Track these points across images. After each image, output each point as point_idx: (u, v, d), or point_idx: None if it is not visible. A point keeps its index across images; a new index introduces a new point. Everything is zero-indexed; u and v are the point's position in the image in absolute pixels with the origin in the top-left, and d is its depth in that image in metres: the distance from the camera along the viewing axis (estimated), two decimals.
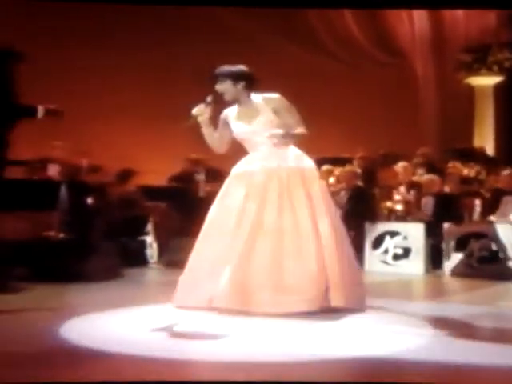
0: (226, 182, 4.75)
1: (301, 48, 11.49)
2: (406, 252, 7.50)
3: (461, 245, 7.39)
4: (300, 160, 4.63)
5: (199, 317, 4.36)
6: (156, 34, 10.68)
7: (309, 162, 4.67)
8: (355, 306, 4.48)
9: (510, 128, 11.19)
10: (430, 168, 9.55)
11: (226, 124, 4.78)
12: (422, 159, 9.84)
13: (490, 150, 11.30)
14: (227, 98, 4.71)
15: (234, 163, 8.81)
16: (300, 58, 11.35)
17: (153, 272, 7.46)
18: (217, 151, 4.92)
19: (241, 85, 4.67)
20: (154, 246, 7.84)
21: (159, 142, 9.94)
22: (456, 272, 7.20)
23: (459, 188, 8.78)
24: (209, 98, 4.70)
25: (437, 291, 6.65)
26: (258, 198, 4.50)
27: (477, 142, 11.57)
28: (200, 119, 4.69)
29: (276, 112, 4.63)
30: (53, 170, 7.78)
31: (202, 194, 8.41)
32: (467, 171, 9.60)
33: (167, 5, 10.56)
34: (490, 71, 11.41)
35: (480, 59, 11.44)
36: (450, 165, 9.23)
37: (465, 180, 9.14)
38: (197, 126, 4.75)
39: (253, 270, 4.34)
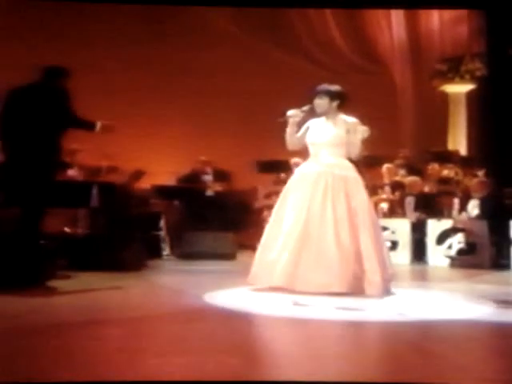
0: (289, 182, 5.68)
1: (280, 50, 12.16)
2: (394, 245, 8.42)
3: (442, 239, 8.35)
4: (346, 169, 5.55)
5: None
6: (169, 39, 11.27)
7: (353, 172, 5.58)
8: (386, 294, 5.33)
9: (481, 132, 11.97)
10: (410, 169, 10.45)
11: (307, 131, 5.67)
12: (403, 161, 10.73)
13: (462, 152, 12.14)
14: (319, 110, 5.60)
15: (236, 165, 9.69)
16: (282, 61, 12.03)
17: (170, 263, 8.27)
18: (291, 148, 5.79)
19: (335, 103, 5.56)
20: (167, 240, 8.65)
21: (170, 144, 10.68)
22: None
23: (437, 188, 9.73)
24: (306, 107, 5.59)
25: (438, 277, 7.52)
26: (309, 196, 5.42)
27: (450, 145, 12.39)
28: (291, 120, 5.58)
29: (348, 131, 5.52)
30: (73, 172, 8.53)
31: (209, 193, 9.21)
32: (447, 172, 10.52)
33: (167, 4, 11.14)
34: (462, 79, 12.18)
35: (454, 68, 12.18)
36: (430, 167, 10.15)
37: (442, 180, 10.08)
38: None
39: (302, 255, 5.26)
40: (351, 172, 5.56)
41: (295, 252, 5.30)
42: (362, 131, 5.49)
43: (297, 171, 5.74)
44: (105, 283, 6.09)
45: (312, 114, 5.66)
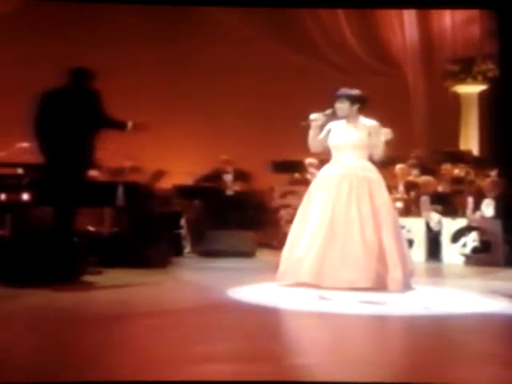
0: (314, 182, 5.93)
1: (295, 51, 12.29)
2: (410, 243, 8.60)
3: (456, 237, 8.55)
4: (369, 171, 5.78)
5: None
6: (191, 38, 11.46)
7: (375, 174, 5.80)
8: (407, 289, 5.56)
9: (493, 132, 12.13)
10: (423, 169, 10.64)
11: (329, 133, 5.89)
12: (416, 161, 10.92)
13: (474, 152, 12.31)
14: (341, 114, 5.82)
15: (254, 165, 9.88)
16: (298, 62, 12.18)
17: (192, 260, 8.49)
18: (313, 151, 6.05)
19: (356, 106, 5.78)
20: (188, 238, 8.88)
21: (190, 145, 10.91)
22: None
23: (451, 187, 9.92)
24: (328, 111, 5.82)
25: (454, 273, 7.71)
26: (333, 196, 5.65)
27: (462, 145, 12.55)
28: (313, 124, 5.82)
29: (369, 134, 5.75)
30: (95, 172, 8.74)
31: (229, 192, 9.43)
32: (457, 172, 10.70)
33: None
34: (474, 80, 12.24)
35: (466, 69, 12.24)
36: (443, 167, 10.34)
37: (455, 180, 10.27)
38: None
39: (328, 253, 5.49)
40: (374, 173, 5.77)
41: (321, 250, 5.51)
42: (385, 133, 5.71)
43: (321, 173, 5.96)
44: (134, 279, 6.33)
45: (333, 117, 5.88)
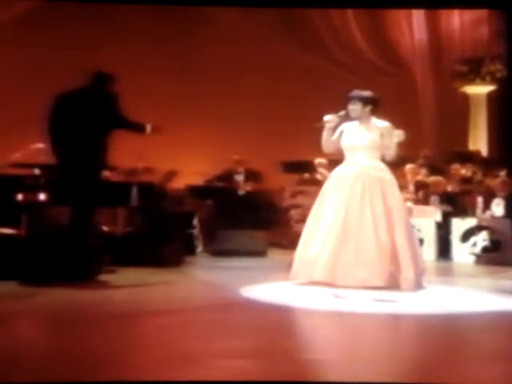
0: (327, 183, 5.99)
1: (305, 52, 12.38)
2: (420, 242, 8.67)
3: (466, 236, 8.62)
4: (381, 172, 5.85)
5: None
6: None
7: (388, 174, 5.88)
8: (418, 288, 5.65)
9: (502, 132, 12.16)
10: (432, 169, 10.71)
11: (342, 134, 5.97)
12: (425, 161, 10.98)
13: (483, 152, 12.37)
14: (353, 115, 5.90)
15: (264, 165, 9.94)
16: (302, 61, 12.25)
17: (205, 259, 8.58)
18: (326, 151, 6.14)
19: (368, 108, 5.86)
20: (200, 237, 8.98)
21: (200, 146, 11.01)
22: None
23: (460, 187, 9.99)
24: (341, 113, 5.90)
25: (464, 272, 7.81)
26: (347, 196, 5.73)
27: (471, 145, 12.62)
28: (327, 126, 5.90)
29: (382, 135, 5.83)
30: (107, 173, 8.84)
31: (241, 192, 9.53)
32: (464, 171, 10.76)
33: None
34: (483, 81, 12.29)
35: (474, 70, 12.29)
36: (453, 167, 10.41)
37: (465, 180, 10.34)
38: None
39: (342, 252, 5.57)
40: (386, 174, 5.85)
41: (335, 249, 5.58)
42: (398, 135, 5.79)
43: (334, 173, 6.03)
44: (147, 278, 6.43)
45: (346, 118, 5.96)
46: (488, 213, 8.83)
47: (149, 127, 6.35)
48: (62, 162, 6.31)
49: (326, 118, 5.91)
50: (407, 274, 5.60)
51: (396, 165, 10.73)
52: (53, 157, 6.44)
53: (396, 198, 5.80)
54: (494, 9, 12.07)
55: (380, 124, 5.89)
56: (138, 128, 6.33)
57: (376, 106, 5.93)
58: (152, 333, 4.26)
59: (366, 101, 5.86)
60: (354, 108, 5.86)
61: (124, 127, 6.26)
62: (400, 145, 5.90)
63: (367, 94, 5.92)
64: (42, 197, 6.89)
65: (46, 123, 6.38)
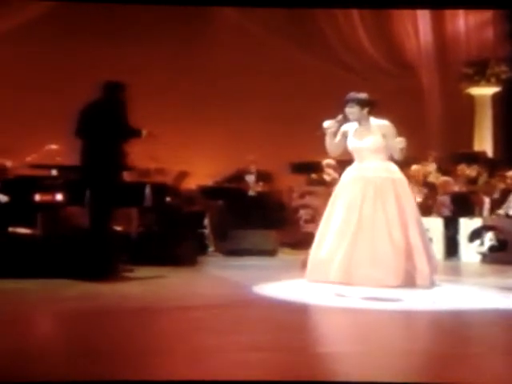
0: (339, 185, 6.06)
1: (312, 55, 12.43)
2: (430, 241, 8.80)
3: (473, 236, 8.75)
4: (392, 172, 5.94)
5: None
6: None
7: (398, 174, 5.98)
8: (433, 285, 5.79)
9: (507, 133, 12.27)
10: (440, 170, 10.82)
11: (345, 136, 6.03)
12: (432, 162, 11.09)
13: (488, 153, 12.46)
14: (352, 118, 5.95)
15: (274, 166, 10.03)
16: (310, 63, 12.32)
17: (217, 258, 8.71)
18: (331, 155, 6.22)
19: (365, 110, 5.90)
20: (211, 237, 9.11)
21: (212, 147, 11.14)
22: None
23: (467, 188, 10.11)
24: (340, 117, 5.93)
25: (472, 272, 7.91)
26: (360, 198, 5.81)
27: (476, 146, 12.70)
28: (328, 131, 5.94)
29: (384, 136, 5.88)
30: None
31: (251, 193, 9.67)
32: (469, 172, 10.86)
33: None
34: (488, 83, 12.33)
35: (480, 72, 12.33)
36: (459, 167, 10.52)
37: (471, 181, 10.45)
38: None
39: (356, 252, 5.66)
40: (397, 174, 5.95)
41: (350, 250, 5.65)
42: (399, 142, 5.83)
43: (345, 175, 6.08)
44: (163, 276, 6.58)
45: (345, 121, 6.03)
46: (501, 211, 8.92)
47: (144, 133, 6.84)
48: (82, 164, 6.56)
49: (325, 124, 5.94)
50: (423, 270, 5.70)
51: (403, 165, 10.94)
52: (67, 158, 6.71)
53: (408, 197, 5.90)
54: (500, 9, 12.17)
55: (380, 124, 5.90)
56: (135, 134, 6.81)
57: (373, 108, 5.95)
58: (172, 328, 4.40)
59: (362, 103, 5.87)
60: (352, 111, 5.88)
61: (123, 133, 6.68)
62: (402, 150, 5.93)
63: (363, 96, 5.93)
64: (58, 197, 7.05)
65: (73, 130, 6.78)
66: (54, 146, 8.23)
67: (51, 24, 11.32)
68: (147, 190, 7.62)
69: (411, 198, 5.97)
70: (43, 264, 6.10)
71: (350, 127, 6.01)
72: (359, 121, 5.94)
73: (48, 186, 7.13)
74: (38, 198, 7.04)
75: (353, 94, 5.92)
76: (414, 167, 10.51)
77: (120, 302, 5.19)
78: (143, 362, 3.48)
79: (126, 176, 8.63)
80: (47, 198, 7.06)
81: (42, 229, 6.78)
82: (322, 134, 5.95)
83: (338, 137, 6.05)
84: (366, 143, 5.92)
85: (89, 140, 6.63)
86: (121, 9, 11.37)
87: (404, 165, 10.68)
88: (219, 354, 3.68)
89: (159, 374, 3.30)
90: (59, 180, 7.22)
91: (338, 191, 5.98)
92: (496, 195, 9.50)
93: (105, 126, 6.62)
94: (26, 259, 6.16)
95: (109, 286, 5.82)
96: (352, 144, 6.01)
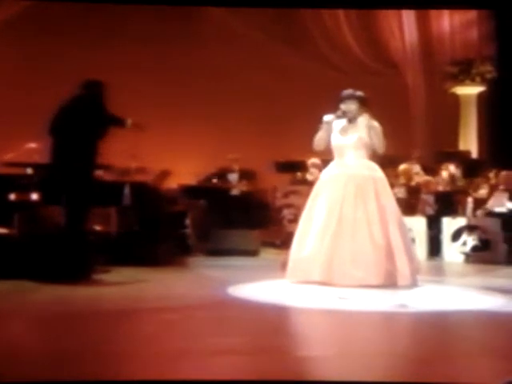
0: (319, 183, 6.00)
1: (298, 53, 12.41)
2: (412, 241, 8.74)
3: (456, 236, 8.70)
4: (373, 170, 5.90)
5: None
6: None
7: (380, 173, 5.93)
8: (414, 285, 5.72)
9: (492, 133, 12.26)
10: (423, 169, 10.78)
11: (330, 131, 5.99)
12: (416, 161, 11.05)
13: (473, 152, 12.47)
14: (350, 115, 5.92)
15: (258, 165, 9.94)
16: (295, 62, 12.28)
17: (198, 258, 8.60)
18: (317, 148, 6.14)
19: (361, 107, 5.91)
20: (193, 237, 9.01)
21: (194, 145, 11.05)
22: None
23: (450, 187, 10.07)
24: (339, 113, 5.93)
25: (455, 272, 7.87)
26: (341, 197, 5.76)
27: (461, 146, 12.72)
28: (325, 126, 5.92)
29: (369, 135, 5.86)
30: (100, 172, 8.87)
31: (234, 192, 9.57)
32: (453, 171, 10.82)
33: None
34: (473, 82, 12.33)
35: (464, 71, 12.33)
36: (443, 167, 10.48)
37: (454, 180, 10.41)
38: None
39: (337, 252, 5.61)
40: (378, 172, 5.90)
41: (331, 249, 5.61)
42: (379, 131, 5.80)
43: (325, 173, 6.04)
44: (141, 277, 6.47)
45: (343, 117, 5.99)
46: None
47: (129, 122, 6.38)
48: (56, 162, 6.39)
49: (326, 118, 5.94)
50: (403, 271, 5.65)
51: (388, 164, 10.91)
52: (45, 156, 6.53)
53: (388, 196, 5.85)
54: (484, 9, 12.17)
55: (368, 124, 5.89)
56: (119, 122, 6.38)
57: (367, 105, 5.98)
58: (145, 330, 4.30)
59: (361, 100, 5.91)
60: (351, 107, 5.88)
61: (106, 121, 6.33)
62: (390, 144, 5.90)
63: (362, 93, 5.97)
64: (34, 196, 6.93)
65: (46, 128, 6.50)
66: (32, 145, 8.10)
67: (32, 22, 11.21)
68: (126, 190, 7.51)
69: (392, 197, 5.92)
70: (17, 265, 5.97)
71: (337, 123, 5.95)
72: (354, 118, 5.88)
73: (24, 185, 7.00)
74: (13, 196, 6.91)
75: (352, 91, 5.92)
76: (403, 166, 10.47)
77: (93, 305, 5.09)
78: (114, 365, 3.43)
79: (105, 175, 8.57)
80: (23, 196, 6.93)
81: (17, 228, 6.65)
82: (322, 127, 5.93)
83: (326, 132, 6.02)
84: (349, 140, 5.89)
85: (63, 138, 6.36)
86: (107, 8, 11.27)
87: (391, 164, 10.83)
88: (192, 356, 3.59)
89: (129, 376, 3.24)
90: (35, 179, 7.08)
91: (319, 189, 5.93)
92: (479, 194, 9.47)
93: (82, 121, 6.32)
94: (1, 260, 6.02)
95: (83, 288, 5.71)
96: (335, 140, 5.95)
